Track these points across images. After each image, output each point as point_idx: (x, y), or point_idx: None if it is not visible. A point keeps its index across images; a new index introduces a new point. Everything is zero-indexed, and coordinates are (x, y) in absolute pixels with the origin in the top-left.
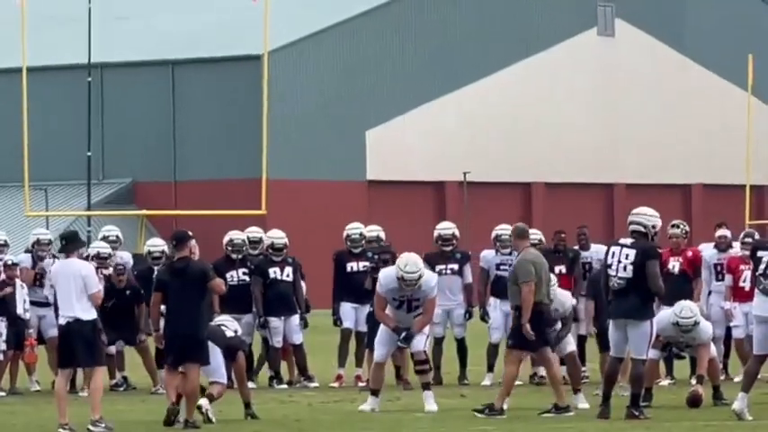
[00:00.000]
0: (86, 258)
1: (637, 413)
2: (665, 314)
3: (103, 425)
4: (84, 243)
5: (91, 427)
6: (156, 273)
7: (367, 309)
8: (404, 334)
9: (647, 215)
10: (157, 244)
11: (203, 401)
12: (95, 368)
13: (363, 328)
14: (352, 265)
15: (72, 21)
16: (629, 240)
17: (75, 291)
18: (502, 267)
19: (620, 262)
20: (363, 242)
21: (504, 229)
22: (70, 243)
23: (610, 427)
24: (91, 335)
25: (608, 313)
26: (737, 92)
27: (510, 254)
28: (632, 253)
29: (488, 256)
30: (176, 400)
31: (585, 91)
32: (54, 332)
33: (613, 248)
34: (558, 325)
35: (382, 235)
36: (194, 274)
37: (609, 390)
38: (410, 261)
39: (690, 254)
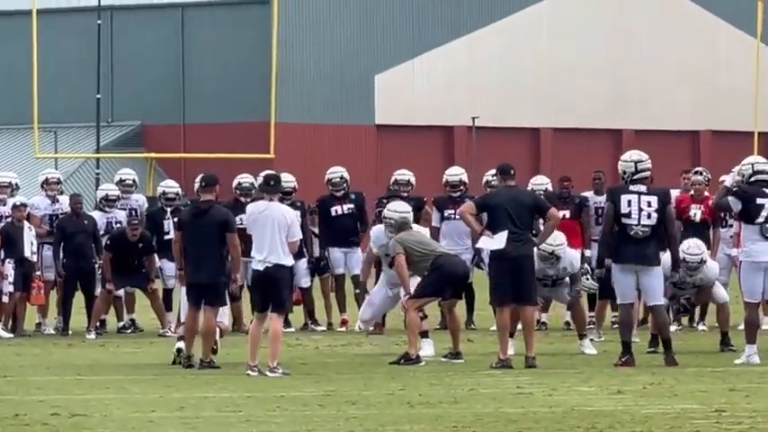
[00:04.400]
0: (98, 201)
1: (675, 358)
2: (666, 258)
3: (281, 370)
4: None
5: (269, 373)
6: (167, 214)
7: (357, 252)
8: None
9: (648, 160)
10: (172, 185)
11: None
12: (277, 315)
13: (356, 271)
14: (337, 209)
15: None
16: (642, 187)
17: (280, 236)
18: None
19: (641, 210)
20: (345, 185)
21: (493, 175)
22: (278, 184)
23: (615, 373)
24: (287, 281)
25: (620, 259)
26: (747, 39)
27: None
28: (654, 200)
29: None
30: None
31: (594, 37)
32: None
33: (628, 197)
34: (567, 280)
35: (413, 180)
36: (215, 218)
37: (629, 337)
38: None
39: (711, 202)
